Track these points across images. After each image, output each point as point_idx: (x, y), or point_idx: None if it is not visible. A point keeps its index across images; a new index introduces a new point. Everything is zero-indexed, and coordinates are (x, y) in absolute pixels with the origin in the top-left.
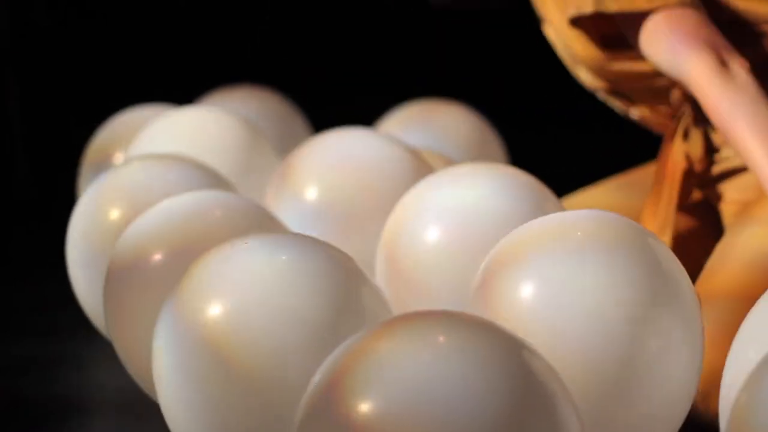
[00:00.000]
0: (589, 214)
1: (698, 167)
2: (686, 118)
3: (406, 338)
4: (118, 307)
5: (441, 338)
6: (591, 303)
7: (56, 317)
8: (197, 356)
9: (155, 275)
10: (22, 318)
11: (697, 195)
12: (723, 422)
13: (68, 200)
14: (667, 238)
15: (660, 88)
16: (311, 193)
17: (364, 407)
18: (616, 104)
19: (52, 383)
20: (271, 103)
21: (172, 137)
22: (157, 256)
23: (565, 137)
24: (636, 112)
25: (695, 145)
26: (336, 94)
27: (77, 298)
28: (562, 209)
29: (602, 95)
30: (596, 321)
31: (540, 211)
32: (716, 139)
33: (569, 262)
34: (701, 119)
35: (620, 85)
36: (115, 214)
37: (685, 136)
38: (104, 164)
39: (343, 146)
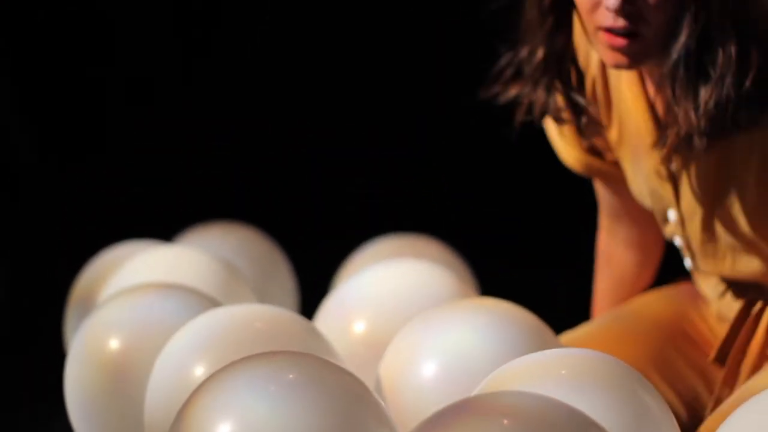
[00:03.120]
0: (577, 353)
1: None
2: (760, 304)
3: None
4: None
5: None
6: None
7: None
8: None
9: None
10: None
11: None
12: None
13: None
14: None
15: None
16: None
17: None
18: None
19: None
20: (250, 240)
21: (147, 277)
22: (200, 371)
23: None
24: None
25: None
26: (335, 95)
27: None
28: (559, 346)
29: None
30: None
31: (537, 349)
32: None
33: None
34: None
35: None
36: (114, 344)
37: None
38: (90, 302)
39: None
